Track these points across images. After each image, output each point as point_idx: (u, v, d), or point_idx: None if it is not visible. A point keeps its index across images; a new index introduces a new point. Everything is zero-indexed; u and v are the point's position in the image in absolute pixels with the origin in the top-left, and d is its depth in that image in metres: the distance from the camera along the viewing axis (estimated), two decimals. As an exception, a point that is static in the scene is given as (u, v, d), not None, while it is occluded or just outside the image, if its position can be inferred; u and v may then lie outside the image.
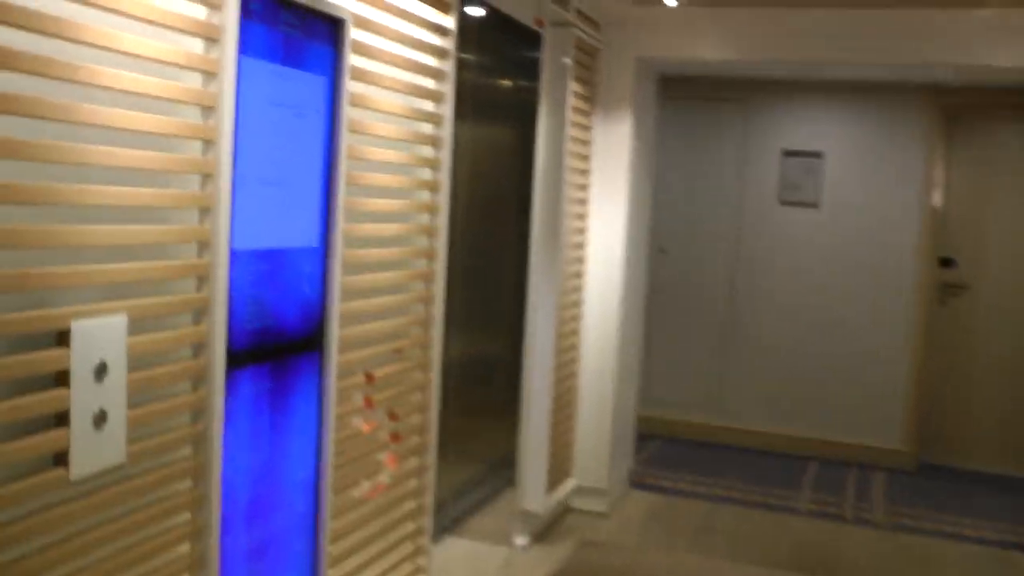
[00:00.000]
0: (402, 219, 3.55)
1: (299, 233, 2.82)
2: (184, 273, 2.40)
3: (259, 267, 2.64)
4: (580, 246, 5.59)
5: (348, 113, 2.96)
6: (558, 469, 5.50)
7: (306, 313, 2.89)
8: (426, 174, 3.70)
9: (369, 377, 3.29)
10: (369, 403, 3.30)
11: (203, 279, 2.45)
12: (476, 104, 4.41)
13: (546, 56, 4.93)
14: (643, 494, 6.30)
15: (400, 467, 3.60)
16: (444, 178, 3.75)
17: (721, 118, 7.63)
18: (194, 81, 2.42)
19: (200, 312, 2.46)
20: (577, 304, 5.63)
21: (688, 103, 7.60)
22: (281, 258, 2.73)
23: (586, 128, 5.48)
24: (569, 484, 5.71)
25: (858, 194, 7.34)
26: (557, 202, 5.02)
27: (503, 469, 5.51)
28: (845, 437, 7.37)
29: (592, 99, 5.56)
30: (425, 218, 3.72)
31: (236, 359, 2.57)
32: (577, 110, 5.24)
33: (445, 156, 3.74)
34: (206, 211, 2.44)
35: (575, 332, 5.64)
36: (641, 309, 6.37)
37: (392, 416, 3.50)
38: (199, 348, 2.47)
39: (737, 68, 6.67)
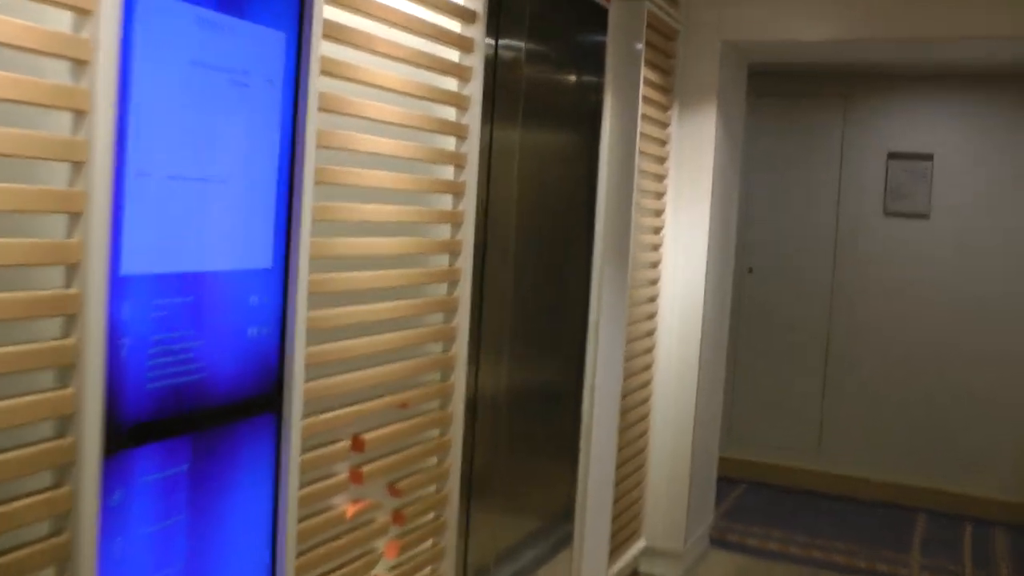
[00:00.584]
0: (410, 231, 2.71)
1: (240, 250, 1.99)
2: (37, 311, 1.59)
3: (169, 299, 1.81)
4: (654, 264, 4.72)
5: (319, 85, 2.14)
6: (624, 528, 4.68)
7: (253, 361, 2.06)
8: (446, 173, 2.86)
9: (357, 443, 2.47)
10: (357, 477, 2.48)
11: (71, 318, 1.64)
12: (528, 95, 3.59)
13: (613, 38, 4.12)
14: (725, 554, 5.42)
15: (406, 555, 2.77)
16: (471, 179, 2.90)
17: (817, 116, 6.79)
18: (58, 23, 1.60)
19: (66, 368, 1.65)
20: (650, 332, 4.77)
21: (778, 100, 6.78)
22: (208, 285, 1.91)
23: (662, 125, 4.62)
24: (637, 546, 4.87)
25: (976, 202, 6.41)
26: (626, 213, 4.19)
27: (561, 523, 4.68)
28: (958, 487, 6.42)
29: (669, 90, 4.69)
30: (445, 230, 2.88)
31: (130, 435, 1.76)
32: (651, 102, 4.39)
33: (472, 150, 2.89)
34: (75, 217, 1.63)
35: (647, 366, 4.78)
36: (725, 337, 5.48)
37: (394, 491, 2.66)
38: (64, 422, 1.66)
39: (838, 54, 5.73)
